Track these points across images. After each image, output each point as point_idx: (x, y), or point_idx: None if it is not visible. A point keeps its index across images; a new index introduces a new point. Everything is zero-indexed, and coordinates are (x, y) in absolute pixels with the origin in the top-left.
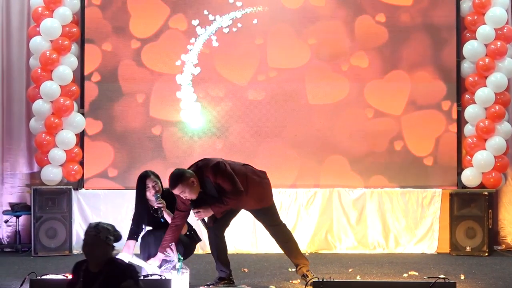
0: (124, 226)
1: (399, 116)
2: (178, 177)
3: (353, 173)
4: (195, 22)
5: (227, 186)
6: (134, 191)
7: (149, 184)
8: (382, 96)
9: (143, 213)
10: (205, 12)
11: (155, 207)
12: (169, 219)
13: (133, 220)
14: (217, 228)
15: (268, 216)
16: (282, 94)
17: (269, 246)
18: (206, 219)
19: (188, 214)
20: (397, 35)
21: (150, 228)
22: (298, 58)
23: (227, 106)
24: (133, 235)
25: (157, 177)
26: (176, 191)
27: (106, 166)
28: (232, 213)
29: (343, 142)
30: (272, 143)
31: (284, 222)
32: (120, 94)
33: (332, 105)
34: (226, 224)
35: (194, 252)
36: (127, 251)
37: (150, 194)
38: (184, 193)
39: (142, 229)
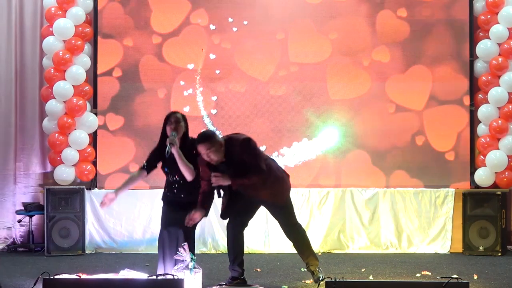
0: (137, 226)
1: (421, 111)
2: (208, 135)
3: (375, 168)
4: (216, 17)
5: (251, 161)
6: (149, 190)
7: (172, 119)
8: (403, 91)
9: (162, 149)
10: (226, 7)
11: (167, 143)
12: (178, 159)
13: (152, 152)
14: (235, 227)
15: (284, 215)
16: (303, 89)
17: (282, 245)
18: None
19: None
20: (418, 30)
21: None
22: (319, 53)
23: (248, 101)
24: (145, 166)
25: (184, 119)
26: (202, 147)
27: (128, 161)
28: (251, 211)
29: (365, 137)
30: (293, 138)
31: (299, 222)
32: (141, 89)
33: (354, 100)
34: (244, 224)
35: (207, 252)
36: (134, 178)
37: (169, 130)
38: (209, 151)
39: (156, 164)
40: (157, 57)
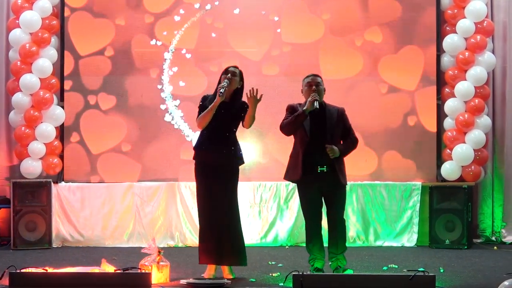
0: (104, 219)
1: (413, 91)
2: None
3: (367, 149)
4: None
5: (350, 129)
6: (117, 184)
7: (229, 70)
8: (395, 71)
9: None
10: None
11: (218, 89)
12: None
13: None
14: (314, 220)
15: (343, 198)
16: (296, 69)
17: (250, 239)
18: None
19: None
20: (410, 10)
21: None
22: (312, 33)
23: None
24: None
25: (241, 75)
26: (316, 78)
27: (120, 141)
28: (321, 204)
29: (357, 117)
30: None
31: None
32: (133, 68)
33: (346, 80)
34: (321, 217)
35: (174, 245)
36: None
37: (223, 78)
38: (317, 82)
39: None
40: (150, 37)
